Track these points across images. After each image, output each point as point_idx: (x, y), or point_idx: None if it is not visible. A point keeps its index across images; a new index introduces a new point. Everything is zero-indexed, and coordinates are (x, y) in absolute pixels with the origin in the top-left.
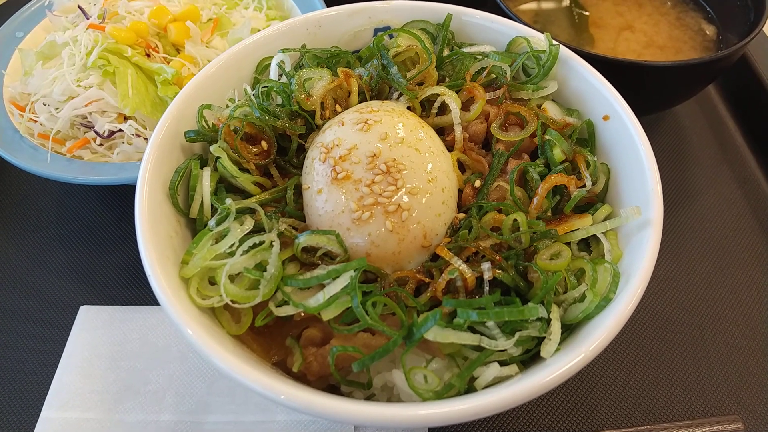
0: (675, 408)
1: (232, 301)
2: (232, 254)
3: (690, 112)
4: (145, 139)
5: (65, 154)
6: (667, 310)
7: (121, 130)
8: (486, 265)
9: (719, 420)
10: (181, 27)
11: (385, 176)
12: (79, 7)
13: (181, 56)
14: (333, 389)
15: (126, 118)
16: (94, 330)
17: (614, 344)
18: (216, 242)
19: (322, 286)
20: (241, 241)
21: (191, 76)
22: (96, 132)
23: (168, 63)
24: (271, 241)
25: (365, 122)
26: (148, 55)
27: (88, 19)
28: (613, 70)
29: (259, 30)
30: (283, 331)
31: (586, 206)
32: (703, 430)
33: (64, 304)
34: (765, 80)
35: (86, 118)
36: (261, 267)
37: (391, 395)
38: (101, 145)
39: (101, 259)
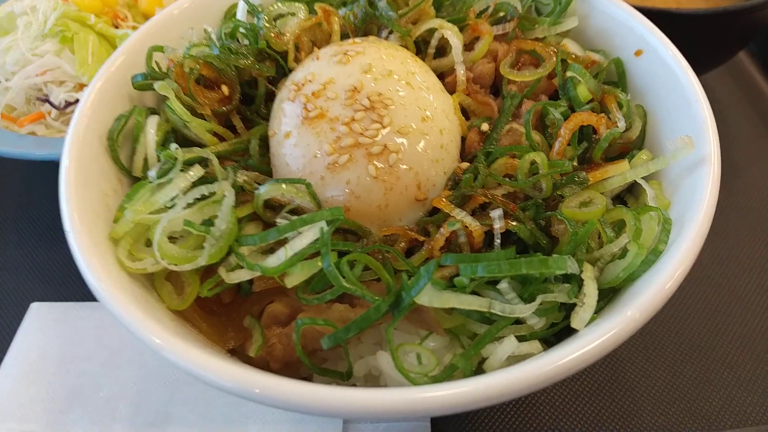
0: (731, 413)
1: (169, 263)
2: (173, 208)
3: (723, 84)
4: None
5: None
6: (716, 299)
7: (78, 100)
8: (497, 213)
9: None
10: None
11: (368, 113)
12: None
13: None
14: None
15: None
16: (44, 329)
17: (656, 339)
18: (155, 194)
19: (285, 243)
20: (186, 193)
21: None
22: (51, 104)
23: None
24: (223, 192)
25: (344, 53)
26: (117, 27)
27: None
28: None
29: None
30: (243, 310)
31: (620, 157)
32: None
33: (15, 301)
34: None
35: (42, 90)
36: (210, 224)
37: (377, 386)
38: (58, 119)
39: (59, 253)
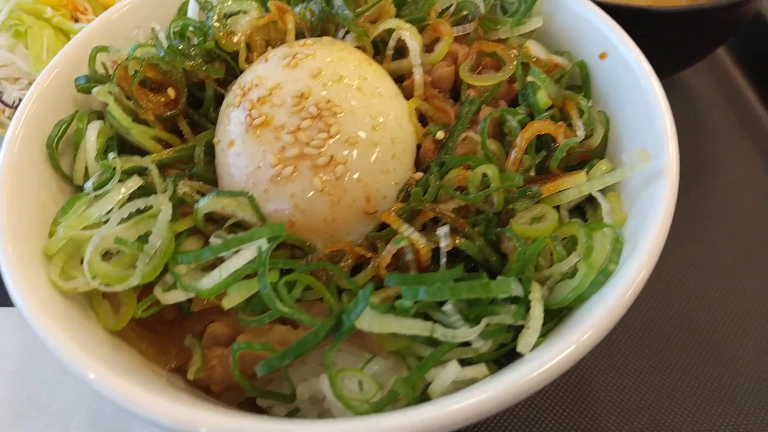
0: (697, 422)
1: (101, 283)
2: (108, 222)
3: (702, 82)
4: None
5: None
6: (687, 305)
7: None
8: (443, 230)
9: None
10: None
11: (315, 121)
12: None
13: None
14: (249, 403)
15: None
16: (1, 335)
17: (623, 346)
18: (90, 207)
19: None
20: (121, 206)
21: None
22: (3, 102)
23: None
24: (160, 206)
25: (293, 56)
26: (76, 20)
27: None
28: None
29: None
30: (185, 328)
31: (580, 166)
32: None
33: None
34: None
35: None
36: (146, 239)
37: (321, 410)
38: (12, 118)
39: None
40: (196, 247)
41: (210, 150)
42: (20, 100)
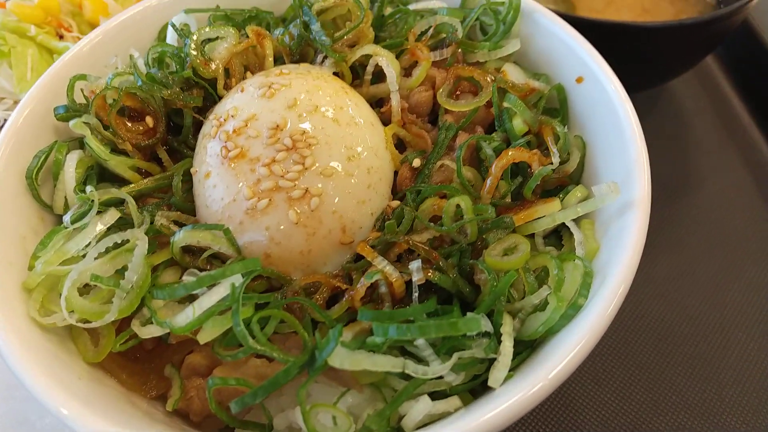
0: None
1: (78, 318)
2: (85, 257)
3: (689, 90)
4: None
5: None
6: (668, 319)
7: None
8: (415, 265)
9: None
10: (98, 2)
11: (290, 153)
12: None
13: None
14: (229, 430)
15: None
16: None
17: (604, 361)
18: (68, 242)
19: (194, 299)
20: (98, 241)
21: None
22: None
23: None
24: (136, 240)
25: (269, 86)
26: (61, 37)
27: None
28: (597, 35)
29: None
30: (165, 357)
31: (558, 190)
32: None
33: None
34: None
35: None
36: (123, 273)
37: None
38: None
39: None
40: (173, 278)
41: (188, 178)
42: (5, 120)
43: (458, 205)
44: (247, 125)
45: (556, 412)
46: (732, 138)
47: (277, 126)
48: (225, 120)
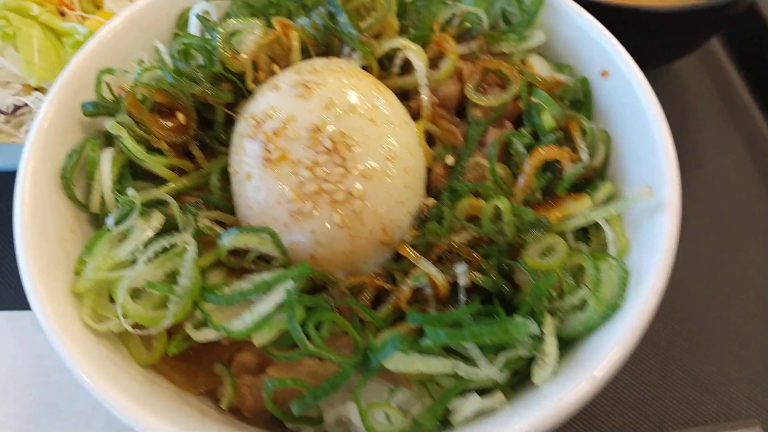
0: (685, 412)
1: (134, 325)
2: (135, 262)
3: (691, 68)
4: None
5: None
6: (674, 297)
7: (26, 104)
8: (461, 269)
9: (735, 424)
10: None
11: (331, 155)
12: None
13: (100, 13)
14: (277, 421)
15: (35, 88)
16: (12, 341)
17: None
18: (115, 246)
19: (250, 303)
20: (146, 245)
21: None
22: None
23: (84, 21)
24: (185, 244)
25: (305, 86)
26: (63, 14)
27: None
28: (605, 16)
29: None
30: (213, 354)
31: (583, 183)
32: None
33: None
34: None
35: None
36: (173, 277)
37: (347, 431)
38: (7, 122)
39: None
40: (221, 279)
41: (223, 176)
42: (15, 106)
43: (496, 207)
44: (286, 127)
45: None
46: (733, 118)
47: (317, 128)
48: (263, 120)
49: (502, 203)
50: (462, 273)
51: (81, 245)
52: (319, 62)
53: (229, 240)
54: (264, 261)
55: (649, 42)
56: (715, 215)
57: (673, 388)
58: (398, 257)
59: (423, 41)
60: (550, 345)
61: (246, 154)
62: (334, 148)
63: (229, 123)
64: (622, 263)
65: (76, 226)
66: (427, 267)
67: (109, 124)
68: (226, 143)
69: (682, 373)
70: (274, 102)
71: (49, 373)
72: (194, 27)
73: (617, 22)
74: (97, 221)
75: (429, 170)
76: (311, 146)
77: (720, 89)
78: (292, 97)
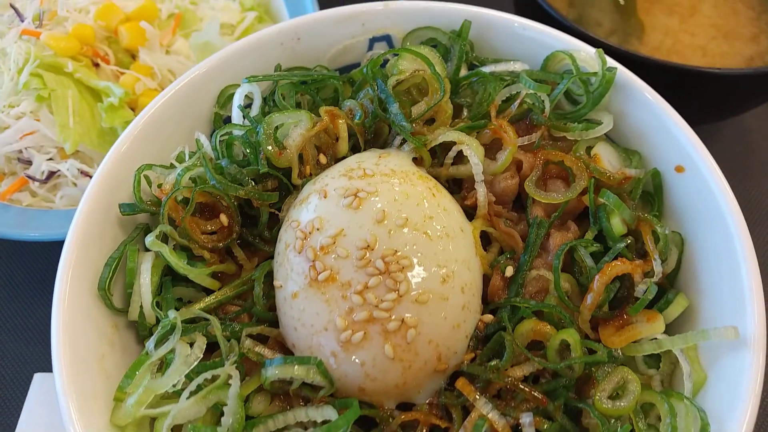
0: None
1: None
2: (177, 393)
3: (755, 111)
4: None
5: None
6: None
7: (59, 171)
8: (527, 419)
9: None
10: (135, 29)
11: (383, 278)
12: (12, 6)
13: (135, 67)
14: None
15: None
16: (50, 402)
17: None
18: (156, 374)
19: None
20: (189, 377)
21: (148, 93)
22: (29, 177)
23: (120, 76)
24: (229, 379)
25: (355, 195)
26: (97, 65)
27: (22, 21)
28: (665, 75)
29: (232, 26)
30: None
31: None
32: None
33: (16, 370)
34: None
35: (23, 152)
36: (217, 409)
37: None
38: (42, 186)
39: None
40: (264, 406)
41: (267, 280)
42: (50, 172)
43: (563, 340)
44: (335, 242)
45: None
46: None
47: (368, 245)
48: (310, 232)
49: (572, 337)
50: (528, 424)
51: (121, 359)
52: (368, 162)
53: (275, 373)
54: (308, 387)
55: (717, 100)
56: None
57: None
58: (453, 377)
59: (478, 127)
60: None
61: (292, 269)
62: (386, 270)
63: (273, 220)
64: (702, 412)
65: (115, 337)
66: (486, 409)
67: (150, 241)
68: (271, 241)
69: None
70: (322, 211)
71: None
72: (237, 114)
73: (683, 81)
74: (135, 327)
75: (485, 278)
76: (362, 266)
77: None
78: (341, 208)
